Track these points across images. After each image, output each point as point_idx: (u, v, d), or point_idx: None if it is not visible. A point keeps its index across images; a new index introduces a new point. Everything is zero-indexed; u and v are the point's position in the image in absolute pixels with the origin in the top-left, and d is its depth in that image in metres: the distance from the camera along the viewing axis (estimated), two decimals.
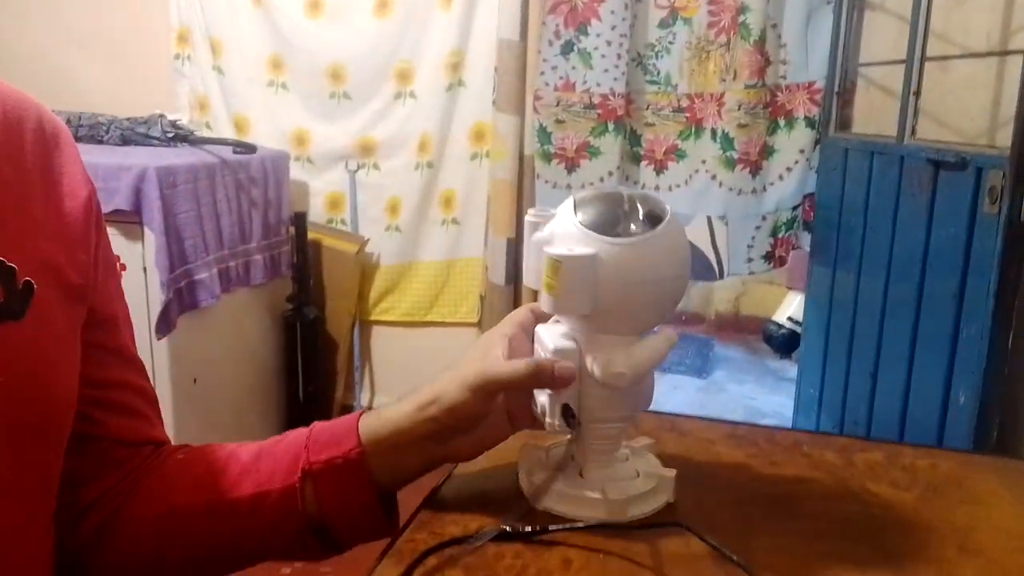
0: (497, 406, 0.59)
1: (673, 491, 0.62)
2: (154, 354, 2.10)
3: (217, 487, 0.56)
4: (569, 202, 0.58)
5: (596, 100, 2.21)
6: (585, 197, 0.57)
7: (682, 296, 0.58)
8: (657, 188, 2.29)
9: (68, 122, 2.16)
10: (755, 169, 2.20)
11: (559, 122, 2.23)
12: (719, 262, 2.31)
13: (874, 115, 2.04)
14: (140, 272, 2.05)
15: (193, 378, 2.21)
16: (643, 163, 2.28)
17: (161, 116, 2.17)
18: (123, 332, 0.59)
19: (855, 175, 1.92)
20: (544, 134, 2.24)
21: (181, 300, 2.09)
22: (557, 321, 0.61)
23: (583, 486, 0.60)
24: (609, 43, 2.16)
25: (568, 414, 0.58)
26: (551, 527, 0.57)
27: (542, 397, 0.58)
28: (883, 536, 0.59)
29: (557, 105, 2.22)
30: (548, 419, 0.58)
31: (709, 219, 2.29)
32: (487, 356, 0.58)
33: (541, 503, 0.60)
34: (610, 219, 0.55)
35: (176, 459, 0.60)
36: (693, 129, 2.23)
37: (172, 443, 0.63)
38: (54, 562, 0.53)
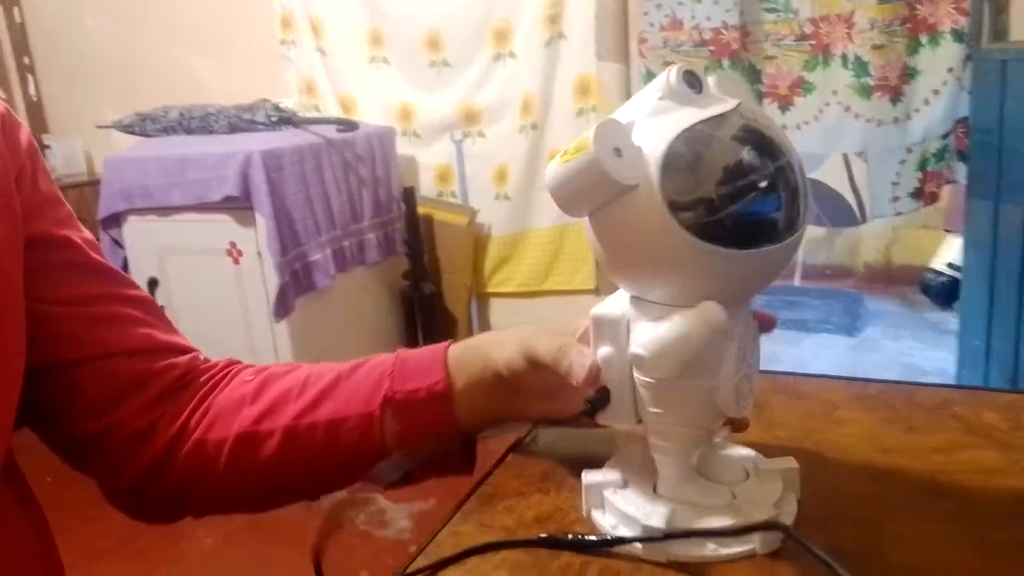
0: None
1: (799, 488, 0.47)
2: (276, 337, 2.14)
3: (294, 411, 0.53)
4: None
5: (707, 36, 2.02)
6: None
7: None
8: (784, 127, 2.07)
9: (181, 116, 2.22)
10: (896, 95, 1.95)
11: (668, 64, 2.06)
12: (860, 204, 2.08)
13: None
14: (255, 257, 2.08)
15: (316, 358, 2.23)
16: (765, 100, 2.08)
17: (265, 101, 2.18)
18: (89, 252, 0.56)
19: (1017, 90, 1.65)
20: (652, 79, 2.08)
21: (297, 282, 2.11)
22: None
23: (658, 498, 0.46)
24: None
25: (597, 399, 0.45)
26: (621, 536, 0.45)
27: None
28: None
29: (664, 46, 2.05)
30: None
31: (845, 156, 2.06)
32: (572, 322, 0.51)
33: (593, 518, 0.47)
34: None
35: (244, 381, 0.56)
36: (820, 57, 2.00)
37: (204, 357, 0.60)
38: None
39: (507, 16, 2.32)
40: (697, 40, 2.04)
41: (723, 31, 2.01)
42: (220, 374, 0.57)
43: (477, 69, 2.39)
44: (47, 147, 3.03)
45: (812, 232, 3.69)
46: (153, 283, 2.23)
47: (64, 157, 2.97)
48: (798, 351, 2.94)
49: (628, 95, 2.16)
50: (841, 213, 2.10)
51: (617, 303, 0.46)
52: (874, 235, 3.69)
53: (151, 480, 0.54)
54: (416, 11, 2.42)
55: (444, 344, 0.54)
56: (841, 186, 2.08)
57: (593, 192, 0.40)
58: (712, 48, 2.03)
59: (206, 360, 0.59)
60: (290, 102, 2.37)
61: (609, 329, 0.45)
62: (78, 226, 0.56)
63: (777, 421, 0.60)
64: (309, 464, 0.53)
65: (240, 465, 0.53)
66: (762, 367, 0.47)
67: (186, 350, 0.58)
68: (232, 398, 0.55)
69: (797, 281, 3.73)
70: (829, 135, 2.03)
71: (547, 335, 0.50)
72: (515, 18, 2.32)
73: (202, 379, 0.56)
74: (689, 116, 0.40)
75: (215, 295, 2.15)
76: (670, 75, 0.42)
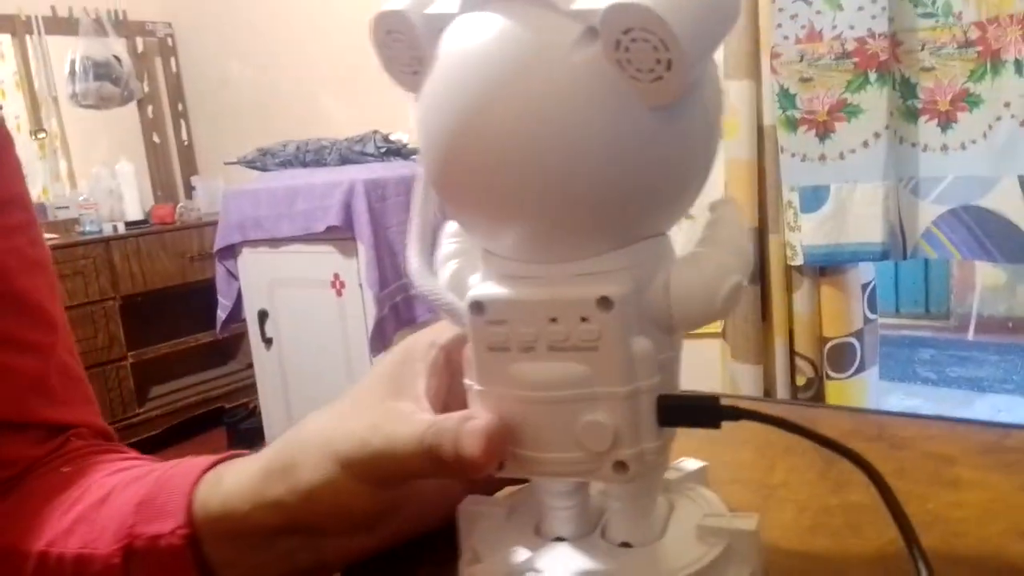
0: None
1: (755, 557, 0.31)
2: None
3: (51, 532, 0.38)
4: None
5: (851, 47, 1.79)
6: None
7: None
8: (944, 148, 1.79)
9: (297, 149, 2.23)
10: None
11: (805, 80, 1.84)
12: None
13: None
14: (357, 289, 2.03)
15: None
16: (922, 118, 1.81)
17: (375, 132, 2.15)
18: (15, 280, 0.43)
19: None
20: (787, 97, 1.86)
21: (397, 315, 2.03)
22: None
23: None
24: None
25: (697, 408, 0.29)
26: None
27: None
28: None
29: (801, 60, 1.83)
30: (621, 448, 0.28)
31: (1022, 180, 1.74)
32: (398, 394, 0.33)
33: None
34: None
35: (60, 472, 0.42)
36: (988, 65, 1.71)
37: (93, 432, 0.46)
38: None
39: None
40: (839, 52, 1.81)
41: (869, 40, 1.77)
42: (50, 461, 0.43)
43: None
44: (193, 188, 3.19)
45: (990, 280, 3.26)
46: (263, 315, 2.23)
47: (207, 196, 3.10)
48: (971, 412, 2.54)
49: (759, 116, 1.95)
50: (1018, 248, 1.77)
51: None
52: None
53: None
54: None
55: (205, 462, 0.36)
56: (1017, 215, 1.76)
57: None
58: (857, 60, 1.79)
59: (82, 439, 0.45)
60: (405, 136, 2.34)
61: (632, 311, 0.28)
62: (31, 241, 0.45)
63: (856, 480, 0.41)
64: None
65: None
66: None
67: (63, 427, 0.44)
68: (34, 492, 0.42)
69: (971, 335, 3.28)
70: (1001, 155, 1.72)
71: (391, 420, 0.31)
72: None
73: (43, 468, 0.43)
74: None
75: (319, 328, 2.11)
76: None
